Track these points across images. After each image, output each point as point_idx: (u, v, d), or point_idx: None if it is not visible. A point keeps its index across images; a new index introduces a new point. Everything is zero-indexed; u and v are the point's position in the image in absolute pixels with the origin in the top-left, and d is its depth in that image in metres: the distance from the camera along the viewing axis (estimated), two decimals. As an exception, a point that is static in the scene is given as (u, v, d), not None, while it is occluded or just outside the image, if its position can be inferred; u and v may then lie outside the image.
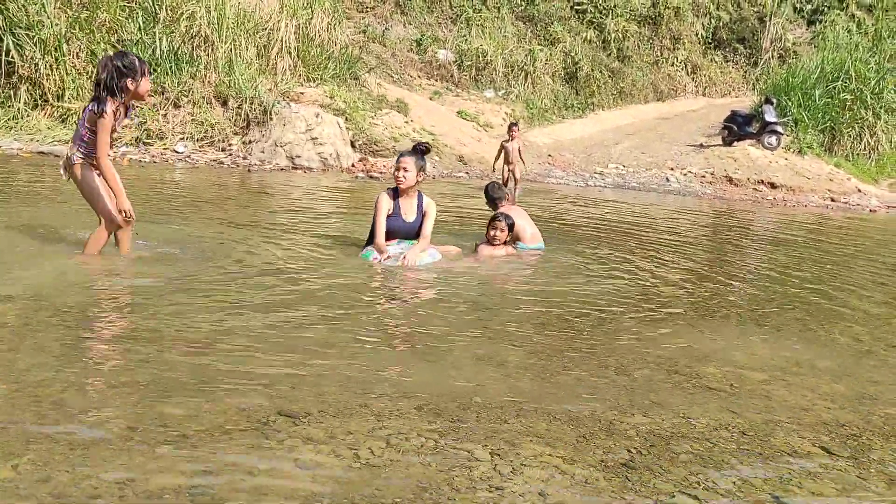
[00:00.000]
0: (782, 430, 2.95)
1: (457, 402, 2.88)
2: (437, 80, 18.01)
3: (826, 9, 23.62)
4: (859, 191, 16.04)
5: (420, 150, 5.49)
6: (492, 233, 5.83)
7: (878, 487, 2.54)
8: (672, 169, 15.94)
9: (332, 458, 2.32)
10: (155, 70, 11.55)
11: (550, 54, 19.50)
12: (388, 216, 5.41)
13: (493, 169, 11.77)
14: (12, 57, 11.00)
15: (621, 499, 2.26)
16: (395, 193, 5.48)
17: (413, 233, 5.49)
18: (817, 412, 3.18)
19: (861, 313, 5.31)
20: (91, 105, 4.47)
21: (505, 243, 5.90)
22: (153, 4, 11.90)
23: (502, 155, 11.33)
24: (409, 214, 5.48)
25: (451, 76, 18.21)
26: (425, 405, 2.82)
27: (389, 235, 5.42)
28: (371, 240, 5.48)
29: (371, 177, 11.68)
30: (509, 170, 11.29)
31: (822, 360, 3.97)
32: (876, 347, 4.37)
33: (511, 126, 11.62)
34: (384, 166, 12.22)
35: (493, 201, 6.60)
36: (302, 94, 12.88)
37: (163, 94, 11.56)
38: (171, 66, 11.65)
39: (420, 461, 2.37)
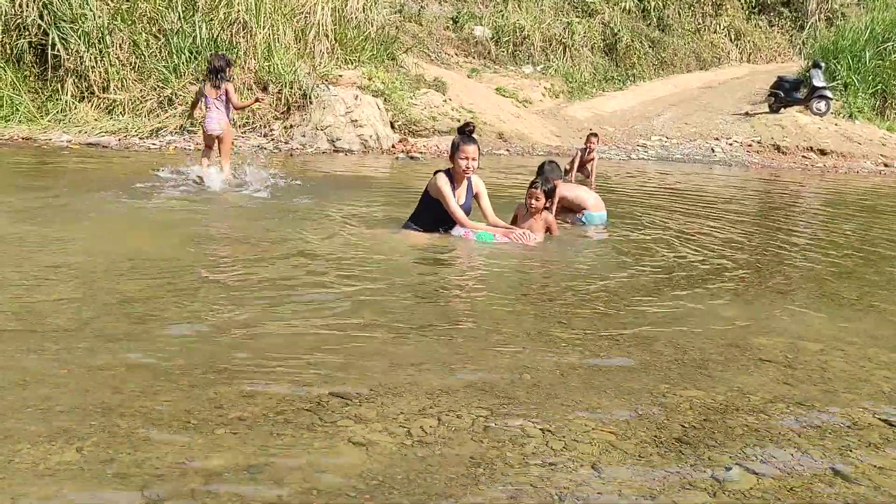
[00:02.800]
0: (840, 401, 2.89)
1: (506, 380, 2.88)
2: (474, 58, 17.87)
3: (875, -33, 22.79)
4: (914, 155, 15.52)
5: (470, 131, 5.35)
6: (530, 201, 5.62)
7: (943, 458, 2.47)
8: (717, 139, 15.62)
9: (385, 435, 2.35)
10: (196, 58, 11.69)
11: (589, 26, 19.19)
12: None
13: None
14: (58, 50, 11.23)
15: (676, 472, 2.25)
16: (448, 176, 5.39)
17: (466, 215, 5.44)
18: (875, 382, 3.11)
19: (919, 281, 5.15)
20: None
21: (546, 209, 5.68)
22: (192, -8, 12.02)
23: (575, 166, 9.41)
24: (461, 197, 5.43)
25: (489, 53, 18.05)
26: (475, 383, 2.83)
27: (443, 220, 5.38)
28: (422, 220, 5.44)
29: (411, 157, 11.67)
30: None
31: (880, 330, 3.87)
32: (936, 315, 4.24)
33: (590, 136, 9.61)
34: (424, 146, 12.20)
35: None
36: (340, 76, 12.91)
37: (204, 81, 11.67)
38: (210, 54, 11.75)
39: (472, 438, 2.37)
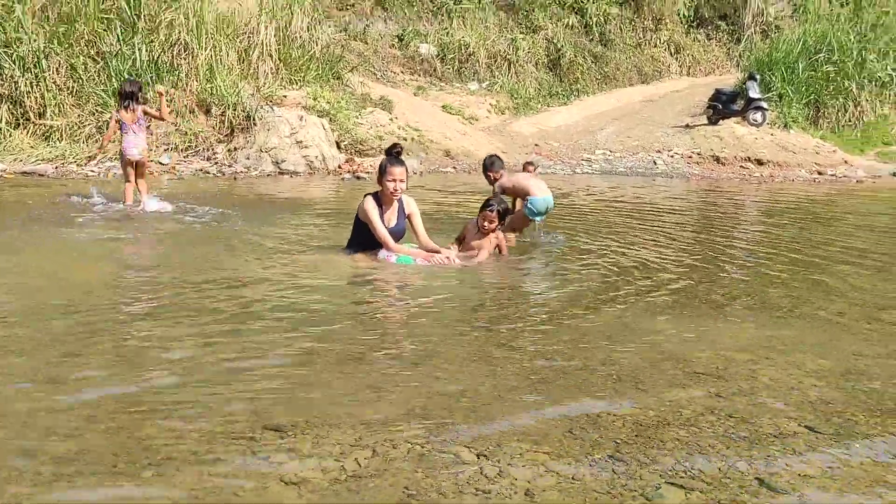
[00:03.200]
0: (768, 411, 2.97)
1: (443, 405, 2.89)
2: (420, 75, 17.96)
3: (806, -19, 23.61)
4: (846, 162, 16.08)
5: (397, 152, 5.35)
6: (483, 223, 5.62)
7: (864, 464, 2.56)
8: (659, 151, 15.95)
9: (319, 472, 2.33)
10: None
11: (533, 42, 19.46)
12: None
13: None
14: (-9, 77, 10.96)
15: (608, 493, 2.28)
16: (376, 198, 5.38)
17: (396, 238, 5.41)
18: (803, 390, 3.20)
19: (847, 286, 5.33)
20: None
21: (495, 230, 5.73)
22: (131, 14, 11.84)
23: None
24: (392, 219, 5.40)
25: (435, 70, 18.16)
26: (412, 410, 2.83)
27: (374, 243, 5.37)
28: (355, 245, 5.43)
29: (358, 177, 11.66)
30: None
31: (808, 337, 3.99)
32: (861, 320, 4.40)
33: (525, 165, 9.51)
34: (371, 166, 12.20)
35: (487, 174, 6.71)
36: (285, 97, 12.85)
37: (145, 104, 11.49)
38: (151, 77, 11.60)
39: (407, 468, 2.38)
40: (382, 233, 5.29)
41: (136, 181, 7.61)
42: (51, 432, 2.51)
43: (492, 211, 5.58)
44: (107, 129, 7.98)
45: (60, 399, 2.80)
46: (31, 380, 2.97)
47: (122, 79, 11.23)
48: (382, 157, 5.47)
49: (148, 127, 7.81)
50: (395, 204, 5.40)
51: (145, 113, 7.61)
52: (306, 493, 2.20)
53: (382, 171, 5.29)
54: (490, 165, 6.74)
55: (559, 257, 6.04)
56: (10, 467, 2.27)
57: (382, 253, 5.33)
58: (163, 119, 8.06)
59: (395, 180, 5.23)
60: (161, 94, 7.96)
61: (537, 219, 6.55)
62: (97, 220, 6.97)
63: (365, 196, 5.42)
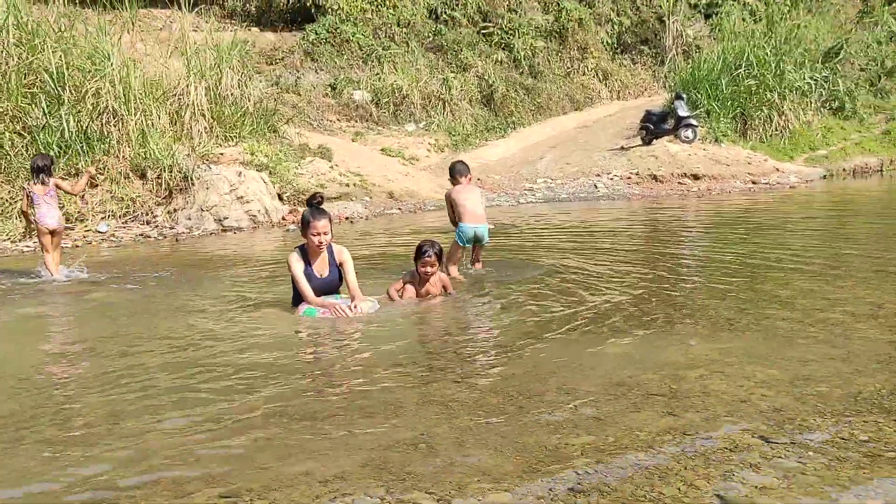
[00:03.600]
0: (722, 425, 3.01)
1: (401, 452, 2.85)
2: (356, 121, 18.04)
3: (720, 1, 24.56)
4: (777, 170, 16.62)
5: (318, 203, 5.29)
6: (422, 269, 5.65)
7: (818, 469, 2.60)
8: (598, 175, 16.25)
9: (277, 535, 2.27)
10: (66, 152, 11.31)
11: (464, 80, 19.75)
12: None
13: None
14: (-87, 159, 10.64)
15: (570, 526, 2.27)
16: (303, 251, 5.31)
17: (331, 287, 5.35)
18: (754, 401, 3.26)
19: (790, 293, 5.47)
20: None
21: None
22: (55, 86, 11.65)
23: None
24: (323, 270, 5.34)
25: (371, 115, 18.26)
26: (371, 461, 2.79)
27: (318, 293, 5.27)
28: (298, 300, 5.36)
29: (303, 227, 11.57)
30: None
31: (756, 347, 4.07)
32: (805, 325, 4.51)
33: None
34: (315, 215, 12.13)
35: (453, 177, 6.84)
36: (221, 154, 12.73)
37: (77, 175, 11.28)
38: (82, 146, 11.40)
39: (367, 522, 2.33)
40: (303, 287, 5.23)
41: (52, 252, 7.65)
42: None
43: (429, 257, 5.56)
44: (23, 208, 7.90)
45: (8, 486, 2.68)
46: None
47: (51, 151, 11.06)
48: (326, 203, 5.40)
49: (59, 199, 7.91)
50: (325, 255, 5.33)
51: (57, 186, 7.77)
52: (264, 562, 2.14)
53: (306, 225, 5.23)
54: (451, 171, 6.88)
55: (503, 290, 6.06)
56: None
57: (302, 307, 5.28)
58: (72, 194, 8.17)
59: (318, 234, 5.19)
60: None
61: (467, 245, 6.65)
62: (28, 295, 6.76)
63: (291, 251, 5.39)
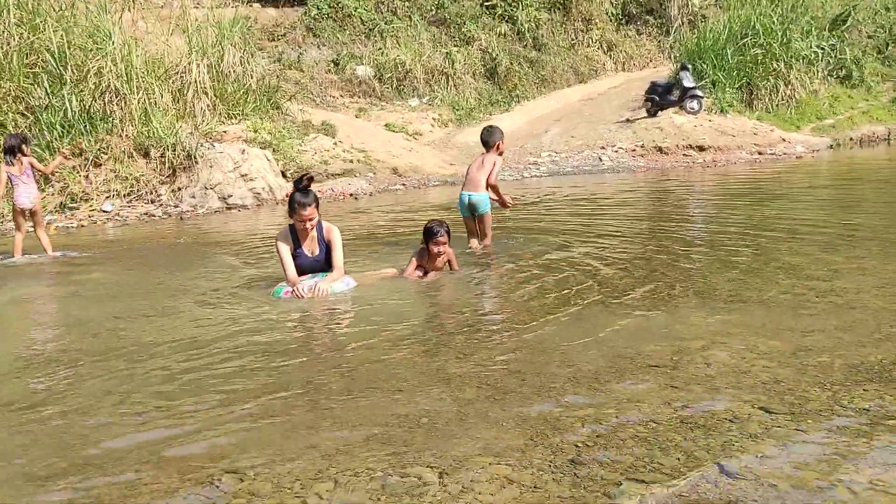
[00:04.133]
0: (723, 396, 3.02)
1: (403, 427, 2.88)
2: (359, 97, 17.95)
3: (726, -31, 24.25)
4: (784, 140, 16.50)
5: (305, 188, 5.24)
6: (435, 249, 5.52)
7: (817, 437, 2.62)
8: (603, 148, 16.16)
9: (280, 509, 2.30)
10: (69, 132, 11.31)
11: (468, 54, 19.60)
12: (292, 255, 5.28)
13: None
14: (-83, 141, 10.65)
15: (570, 498, 2.29)
16: (292, 230, 5.33)
17: (321, 266, 5.34)
18: (755, 373, 3.26)
19: (794, 263, 5.46)
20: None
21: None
22: (57, 66, 11.62)
23: None
24: (313, 248, 5.34)
25: (374, 91, 18.16)
26: (373, 436, 2.81)
27: (299, 273, 5.28)
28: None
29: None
30: None
31: (758, 319, 4.07)
32: (808, 296, 4.50)
33: None
34: (318, 191, 12.11)
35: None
36: (225, 132, 12.72)
37: (81, 154, 11.30)
38: (85, 126, 11.40)
39: (369, 496, 2.36)
40: (284, 265, 5.27)
41: (37, 232, 7.87)
42: (0, 504, 2.43)
43: (441, 237, 5.53)
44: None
45: (15, 473, 2.71)
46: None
47: (55, 131, 11.07)
48: (330, 180, 5.38)
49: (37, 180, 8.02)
50: (314, 233, 5.33)
51: (32, 166, 7.85)
52: (267, 535, 2.17)
53: (293, 209, 5.23)
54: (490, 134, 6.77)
55: (505, 265, 6.06)
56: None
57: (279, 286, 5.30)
58: (45, 173, 8.19)
59: (304, 220, 5.20)
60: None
61: (465, 215, 6.74)
62: (19, 276, 6.80)
63: (279, 231, 5.40)
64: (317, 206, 5.26)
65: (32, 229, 7.98)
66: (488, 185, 6.63)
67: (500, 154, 6.83)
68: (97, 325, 4.77)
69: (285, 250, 5.28)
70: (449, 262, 5.77)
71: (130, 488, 2.48)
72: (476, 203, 6.60)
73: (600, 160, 15.53)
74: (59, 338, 4.66)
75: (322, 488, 2.41)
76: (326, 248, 5.37)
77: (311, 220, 5.22)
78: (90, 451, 2.80)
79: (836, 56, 19.50)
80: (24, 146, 7.78)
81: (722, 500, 2.22)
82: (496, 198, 6.71)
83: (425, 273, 5.62)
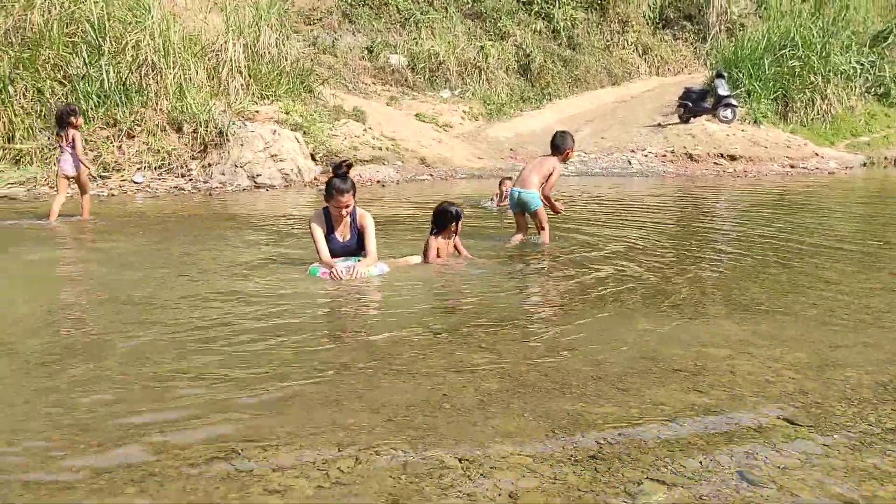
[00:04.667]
0: (747, 404, 3.01)
1: (425, 411, 2.89)
2: (392, 86, 17.99)
3: (768, -22, 23.97)
4: (817, 154, 16.32)
5: (343, 174, 5.24)
6: (454, 231, 5.74)
7: (841, 453, 2.60)
8: (633, 151, 16.09)
9: (302, 480, 2.33)
10: (104, 102, 11.43)
11: (502, 49, 19.57)
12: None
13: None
14: (-43, 103, 10.83)
15: (590, 492, 2.30)
16: (326, 214, 5.36)
17: (351, 251, 5.37)
18: (781, 383, 3.24)
19: (824, 278, 5.40)
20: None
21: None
22: (97, 37, 11.76)
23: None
24: (345, 234, 5.38)
25: (406, 80, 18.20)
26: (395, 417, 2.83)
27: (340, 253, 5.34)
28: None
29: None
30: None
31: (785, 330, 4.04)
32: (837, 311, 4.46)
33: (503, 180, 9.64)
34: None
35: None
36: (257, 112, 12.81)
37: (115, 125, 11.43)
38: (120, 97, 11.53)
39: (390, 474, 2.38)
40: (318, 246, 5.32)
41: (81, 198, 8.31)
42: (30, 454, 2.48)
43: (461, 218, 5.67)
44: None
45: (40, 417, 2.76)
46: (10, 400, 2.93)
47: (91, 101, 11.19)
48: (358, 166, 5.44)
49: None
50: (347, 219, 5.36)
51: (74, 140, 8.12)
52: (291, 500, 2.20)
53: (330, 194, 5.25)
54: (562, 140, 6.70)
55: (531, 261, 6.06)
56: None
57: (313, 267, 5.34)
58: (78, 155, 8.27)
59: (341, 207, 5.24)
60: (92, 176, 9.23)
61: (515, 209, 6.76)
62: (58, 240, 6.90)
63: (314, 212, 5.43)
64: (354, 193, 5.28)
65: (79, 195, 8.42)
66: (542, 195, 6.59)
67: (565, 161, 6.76)
68: (126, 292, 4.84)
69: (319, 233, 5.32)
70: (456, 247, 5.83)
71: (156, 452, 2.51)
72: (527, 201, 6.58)
73: (629, 163, 15.46)
74: (85, 295, 4.72)
75: (344, 464, 2.43)
76: (358, 234, 5.40)
77: (347, 206, 5.25)
78: (114, 417, 2.84)
79: (875, 73, 19.27)
80: (72, 118, 8.12)
81: (743, 506, 2.22)
82: (548, 203, 6.68)
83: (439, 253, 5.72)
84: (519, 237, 6.71)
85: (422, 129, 15.98)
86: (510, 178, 9.50)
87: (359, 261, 5.31)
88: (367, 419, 2.81)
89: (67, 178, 8.19)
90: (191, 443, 2.58)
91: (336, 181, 5.24)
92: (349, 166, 5.32)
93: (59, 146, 8.20)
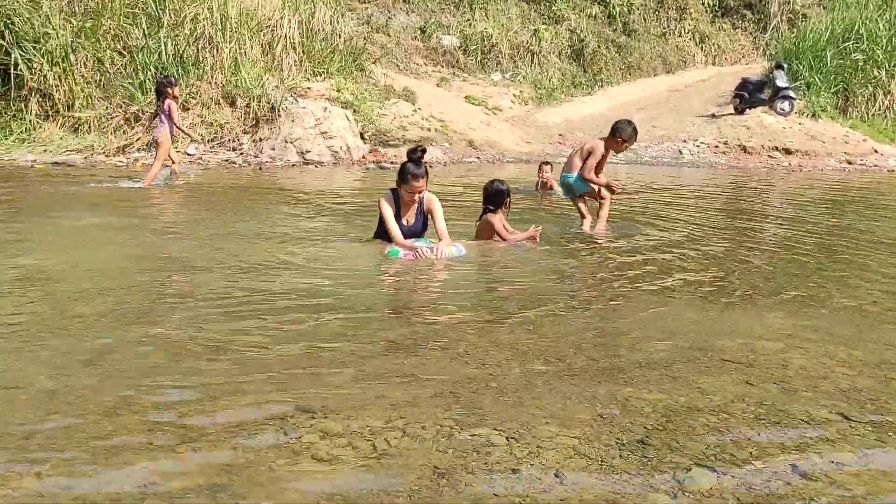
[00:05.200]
0: (799, 398, 2.94)
1: (472, 389, 2.90)
2: (443, 67, 17.94)
3: (834, -32, 23.23)
4: (876, 151, 15.83)
5: (418, 159, 5.23)
6: (506, 209, 5.77)
7: (898, 451, 2.53)
8: (685, 141, 15.81)
9: (349, 450, 2.35)
10: (162, 74, 11.62)
11: (556, 33, 19.35)
12: None
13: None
14: (21, 70, 11.11)
15: (638, 475, 2.28)
16: (396, 196, 5.37)
17: (414, 235, 5.38)
18: (834, 379, 3.17)
19: (881, 276, 5.26)
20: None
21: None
22: (156, 8, 11.95)
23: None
24: (410, 218, 5.39)
25: (457, 62, 18.13)
26: (441, 393, 2.84)
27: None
28: (379, 236, 5.42)
29: (381, 167, 11.69)
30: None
31: (840, 327, 3.94)
32: (894, 310, 4.34)
33: (541, 165, 9.56)
34: (394, 156, 12.23)
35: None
36: (309, 88, 12.90)
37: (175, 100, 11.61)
38: (177, 69, 11.71)
39: (436, 448, 2.39)
40: (392, 229, 5.28)
41: (154, 162, 8.80)
42: (87, 412, 2.55)
43: (510, 194, 5.75)
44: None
45: (91, 379, 2.84)
46: (62, 360, 3.02)
47: (149, 72, 11.41)
48: (406, 146, 5.46)
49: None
50: (415, 204, 5.37)
51: (169, 108, 8.57)
52: (339, 469, 2.23)
53: (404, 179, 5.24)
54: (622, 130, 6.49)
55: (580, 247, 6.01)
56: (44, 446, 2.31)
57: (390, 248, 5.33)
58: (175, 124, 8.79)
59: (414, 192, 5.24)
60: (192, 139, 10.20)
61: (566, 195, 6.80)
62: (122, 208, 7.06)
63: (384, 192, 5.44)
64: (427, 179, 5.26)
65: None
66: (584, 176, 6.48)
67: (617, 149, 6.57)
68: (180, 259, 4.93)
69: (390, 213, 5.30)
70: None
71: (206, 415, 2.56)
72: (570, 184, 6.52)
73: (680, 153, 15.20)
74: (139, 262, 4.83)
75: (391, 436, 2.45)
76: (423, 218, 5.42)
77: (420, 192, 5.24)
78: (166, 379, 2.91)
79: (942, 69, 18.55)
80: (169, 88, 8.71)
81: (795, 498, 2.18)
82: (594, 183, 6.50)
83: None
84: (587, 224, 6.59)
85: (471, 111, 15.92)
86: (549, 164, 9.42)
87: (430, 243, 5.31)
88: (413, 394, 2.82)
89: (159, 143, 8.63)
90: (241, 408, 2.63)
91: (411, 166, 5.21)
92: (423, 151, 5.29)
93: (158, 115, 8.66)
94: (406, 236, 5.33)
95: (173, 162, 8.95)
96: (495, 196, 5.69)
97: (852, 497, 2.20)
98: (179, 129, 8.86)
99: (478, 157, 13.67)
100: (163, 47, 11.68)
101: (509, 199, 5.74)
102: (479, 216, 5.82)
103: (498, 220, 5.71)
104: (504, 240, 5.69)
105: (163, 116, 8.60)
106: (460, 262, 5.22)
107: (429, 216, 5.44)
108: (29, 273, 4.49)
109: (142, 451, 2.30)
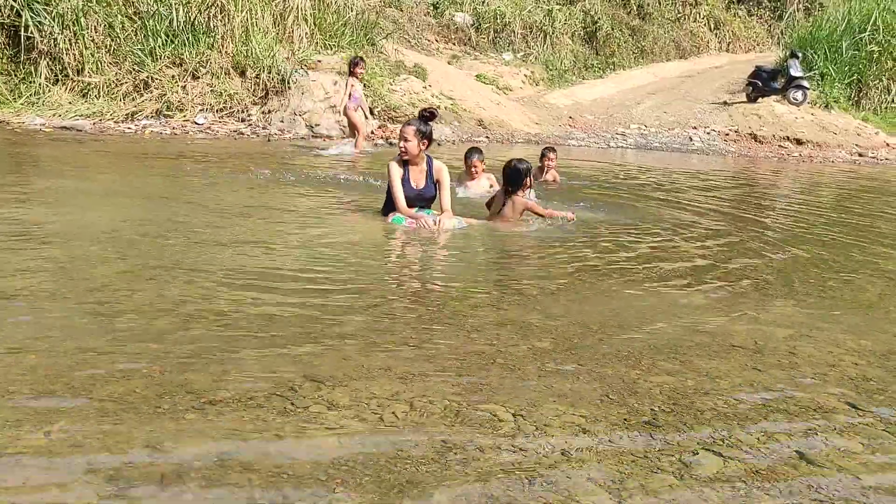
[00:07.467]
0: (807, 386, 2.94)
1: (479, 364, 2.89)
2: (454, 44, 17.81)
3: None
4: (888, 145, 15.70)
5: (424, 117, 5.36)
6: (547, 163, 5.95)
7: (905, 441, 2.53)
8: (695, 128, 15.69)
9: (357, 421, 2.35)
10: (172, 41, 11.54)
11: (570, 14, 19.18)
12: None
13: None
14: (31, 32, 11.04)
15: (644, 457, 2.27)
16: (404, 161, 5.40)
17: (424, 200, 5.43)
18: (843, 368, 3.16)
19: (891, 268, 5.23)
20: None
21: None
22: (168, -25, 11.84)
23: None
24: (420, 182, 5.42)
25: (469, 39, 17.99)
26: (449, 368, 2.84)
27: (409, 204, 5.38)
28: (388, 208, 5.45)
29: (391, 143, 11.61)
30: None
31: (849, 317, 3.93)
32: (904, 302, 4.32)
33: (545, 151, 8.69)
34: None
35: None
36: (319, 61, 12.80)
37: (181, 65, 11.55)
38: (188, 38, 11.62)
39: (443, 422, 2.39)
40: (396, 195, 5.35)
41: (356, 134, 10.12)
42: (96, 376, 2.55)
43: (531, 172, 5.76)
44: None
45: (101, 342, 2.84)
46: (74, 324, 3.02)
47: (159, 39, 11.33)
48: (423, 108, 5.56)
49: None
50: (424, 167, 5.44)
51: (352, 86, 9.88)
52: (346, 439, 2.23)
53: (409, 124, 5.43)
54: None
55: (593, 229, 5.98)
56: (53, 407, 2.31)
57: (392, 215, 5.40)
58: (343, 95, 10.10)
59: (400, 138, 5.37)
60: (384, 135, 11.51)
61: None
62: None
63: (393, 158, 5.48)
64: (422, 137, 5.30)
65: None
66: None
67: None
68: (190, 230, 4.92)
69: (397, 177, 5.36)
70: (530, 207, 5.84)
71: (215, 381, 2.56)
72: None
73: (690, 140, 15.09)
74: (155, 227, 4.82)
75: (398, 408, 2.45)
76: (434, 185, 5.45)
77: (405, 138, 5.31)
78: (178, 345, 2.91)
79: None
80: (353, 67, 9.91)
81: (801, 484, 2.17)
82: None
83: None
84: None
85: (481, 90, 15.80)
86: (554, 150, 8.89)
87: (432, 213, 5.33)
88: (420, 367, 2.82)
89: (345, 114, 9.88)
90: (250, 376, 2.63)
91: (412, 119, 5.44)
92: (432, 114, 5.42)
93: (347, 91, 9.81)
94: (416, 199, 5.40)
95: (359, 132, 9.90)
96: (512, 176, 5.64)
97: (861, 486, 2.20)
98: (360, 105, 9.99)
99: (487, 137, 13.59)
100: (174, 14, 11.58)
101: (530, 179, 5.72)
102: (501, 195, 5.75)
103: (521, 200, 5.68)
104: (541, 215, 5.71)
105: (353, 93, 9.75)
106: (462, 233, 5.23)
107: (437, 185, 5.47)
108: (54, 235, 4.49)
109: (150, 415, 2.30)
